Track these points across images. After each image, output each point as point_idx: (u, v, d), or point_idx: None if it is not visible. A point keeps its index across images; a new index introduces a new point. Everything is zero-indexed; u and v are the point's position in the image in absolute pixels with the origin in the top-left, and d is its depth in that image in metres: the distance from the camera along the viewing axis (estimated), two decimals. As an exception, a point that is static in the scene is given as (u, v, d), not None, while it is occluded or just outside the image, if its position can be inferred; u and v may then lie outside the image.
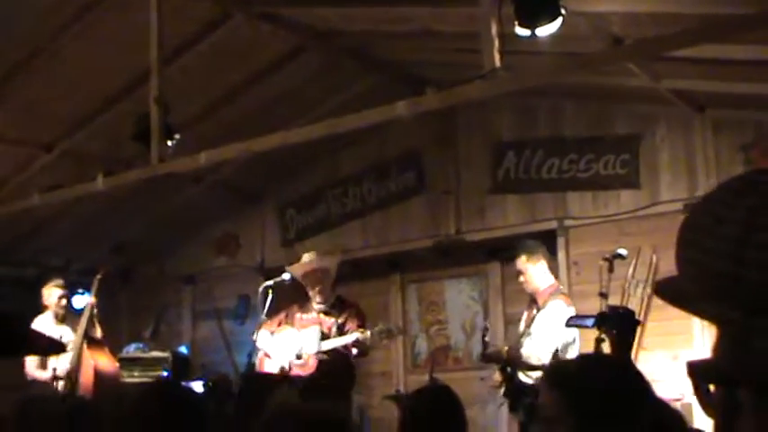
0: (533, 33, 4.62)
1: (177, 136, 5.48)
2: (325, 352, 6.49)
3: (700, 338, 6.57)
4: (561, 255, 7.36)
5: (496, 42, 4.42)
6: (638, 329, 4.49)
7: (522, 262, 6.15)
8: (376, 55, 7.32)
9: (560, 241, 7.42)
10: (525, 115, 7.78)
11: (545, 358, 5.79)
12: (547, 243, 7.56)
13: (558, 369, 2.37)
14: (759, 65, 5.81)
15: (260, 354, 6.79)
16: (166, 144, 5.46)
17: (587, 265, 6.98)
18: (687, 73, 6.26)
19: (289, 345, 6.64)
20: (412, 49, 7.01)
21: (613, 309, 4.46)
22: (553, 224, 7.52)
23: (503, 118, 7.87)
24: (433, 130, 8.04)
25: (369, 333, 6.39)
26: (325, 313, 6.70)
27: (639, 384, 2.08)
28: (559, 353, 5.85)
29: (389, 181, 8.44)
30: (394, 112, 4.73)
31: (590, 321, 4.31)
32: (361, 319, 6.70)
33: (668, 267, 5.79)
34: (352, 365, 6.70)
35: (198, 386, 5.99)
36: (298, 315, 6.78)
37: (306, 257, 6.96)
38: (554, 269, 7.51)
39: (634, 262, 6.74)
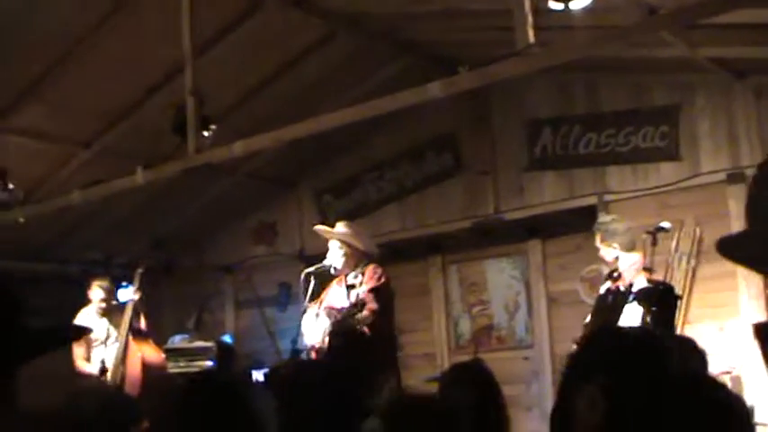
0: (567, 7, 4.56)
1: (213, 127, 5.48)
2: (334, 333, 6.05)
3: (746, 309, 6.47)
4: (602, 230, 7.28)
5: (530, 18, 4.36)
6: (679, 304, 4.41)
7: (598, 242, 6.03)
8: (407, 37, 7.28)
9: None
10: (560, 91, 7.71)
11: None
12: (587, 219, 7.52)
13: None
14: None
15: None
16: (203, 135, 5.47)
17: (629, 240, 6.90)
18: (725, 39, 6.15)
19: (316, 325, 6.23)
20: (443, 29, 6.96)
21: (653, 284, 4.39)
22: (593, 199, 7.45)
23: (537, 95, 7.80)
24: (467, 111, 8.00)
25: (341, 316, 5.99)
26: (351, 287, 6.31)
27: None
28: None
29: (425, 163, 8.42)
30: (427, 93, 4.69)
31: (631, 297, 4.25)
32: (374, 282, 6.16)
33: (712, 239, 5.74)
34: (372, 344, 5.99)
35: (259, 375, 5.89)
36: (333, 288, 6.43)
37: (341, 225, 6.76)
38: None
39: (677, 235, 6.69)
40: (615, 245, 5.85)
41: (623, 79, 7.35)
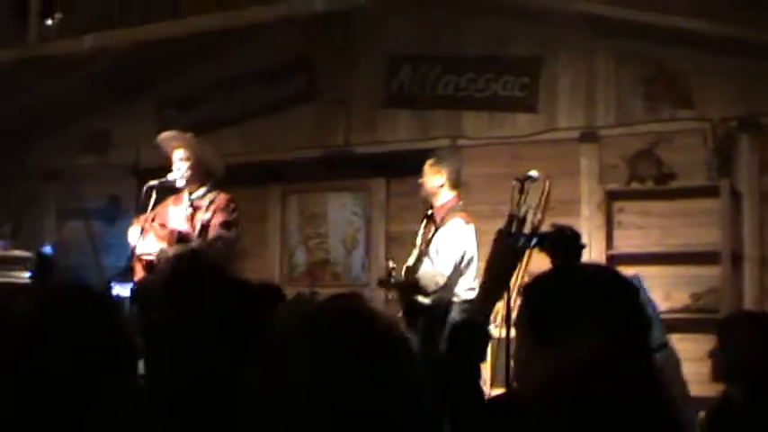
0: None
1: (59, 15, 4.95)
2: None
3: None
4: (452, 174, 7.22)
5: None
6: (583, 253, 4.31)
7: (427, 165, 5.93)
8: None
9: (452, 161, 7.26)
10: (425, 29, 7.50)
11: (442, 280, 5.66)
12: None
13: (528, 282, 2.24)
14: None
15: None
16: (45, 23, 4.93)
17: (477, 186, 6.85)
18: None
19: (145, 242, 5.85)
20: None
21: (560, 229, 4.25)
22: (445, 142, 7.34)
23: (402, 30, 7.57)
24: (327, 37, 7.67)
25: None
26: (195, 208, 5.94)
27: (595, 298, 1.97)
28: (461, 271, 5.72)
29: (277, 86, 8.04)
30: (306, 5, 4.38)
31: (533, 240, 4.11)
32: (227, 215, 5.89)
33: (559, 195, 5.69)
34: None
35: (125, 291, 5.44)
36: (171, 207, 6.03)
37: (188, 135, 6.35)
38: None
39: (525, 187, 6.67)
40: (443, 172, 5.82)
41: (490, 24, 7.22)
